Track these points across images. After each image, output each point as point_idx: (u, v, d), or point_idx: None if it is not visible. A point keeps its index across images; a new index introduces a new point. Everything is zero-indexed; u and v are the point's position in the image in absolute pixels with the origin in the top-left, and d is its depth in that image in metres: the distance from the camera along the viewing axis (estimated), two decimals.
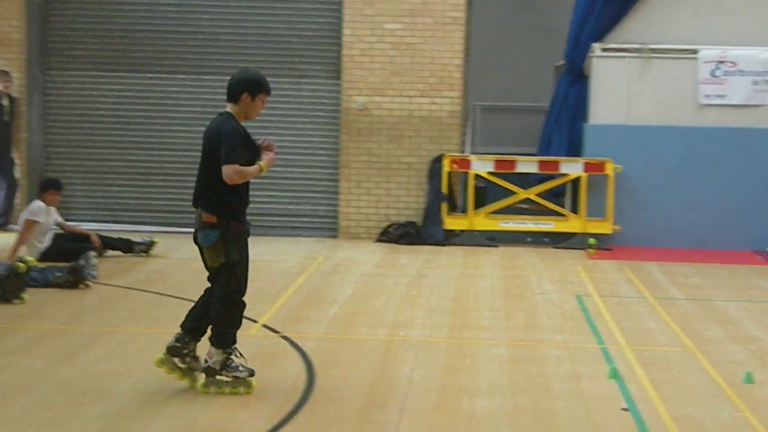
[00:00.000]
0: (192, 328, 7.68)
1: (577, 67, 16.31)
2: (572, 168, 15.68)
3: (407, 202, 16.07)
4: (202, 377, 7.68)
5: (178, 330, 7.73)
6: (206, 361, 7.60)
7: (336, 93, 16.22)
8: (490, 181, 15.90)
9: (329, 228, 16.30)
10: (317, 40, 16.32)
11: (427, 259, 14.35)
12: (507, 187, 15.78)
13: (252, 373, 7.60)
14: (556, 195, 16.08)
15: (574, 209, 15.80)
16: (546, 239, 15.95)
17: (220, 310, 7.51)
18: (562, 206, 15.95)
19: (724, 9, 15.90)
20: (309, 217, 16.35)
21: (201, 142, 7.59)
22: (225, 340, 7.56)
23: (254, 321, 9.80)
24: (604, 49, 15.87)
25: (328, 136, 16.33)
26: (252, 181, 7.61)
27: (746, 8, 15.87)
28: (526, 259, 14.44)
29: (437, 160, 15.82)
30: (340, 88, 16.12)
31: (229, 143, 7.35)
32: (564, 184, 15.96)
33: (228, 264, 7.44)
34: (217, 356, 7.56)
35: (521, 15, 20.05)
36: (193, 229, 7.62)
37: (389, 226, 15.93)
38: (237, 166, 7.33)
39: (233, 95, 7.53)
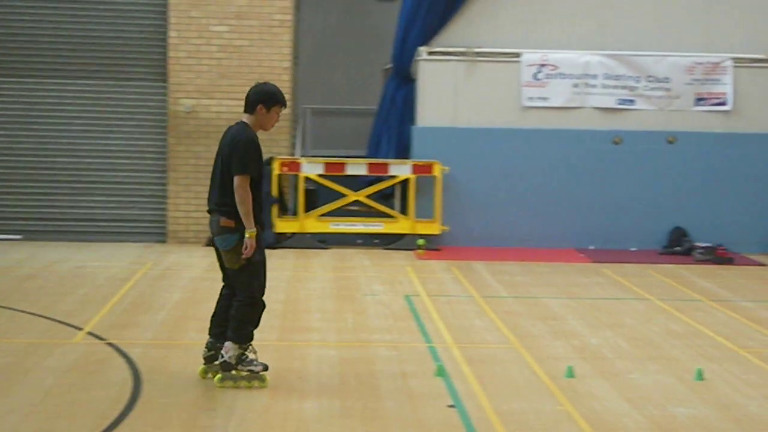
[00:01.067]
0: (220, 333, 8.05)
1: (404, 70, 16.49)
2: (401, 170, 15.84)
3: None
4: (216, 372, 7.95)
5: (208, 339, 8.10)
6: (222, 356, 7.90)
7: (162, 96, 16.01)
8: (320, 183, 15.94)
9: (157, 233, 16.07)
10: (142, 43, 16.07)
11: None
12: (337, 189, 15.85)
13: (266, 368, 7.96)
14: (385, 197, 16.22)
15: (404, 210, 15.98)
16: (376, 240, 16.07)
17: (242, 309, 7.88)
18: (392, 208, 16.10)
19: (545, 14, 16.32)
20: (136, 222, 16.07)
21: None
22: (243, 336, 7.91)
23: (79, 328, 9.59)
24: (430, 53, 16.10)
25: (155, 140, 16.09)
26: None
27: (567, 13, 16.33)
28: (357, 261, 14.53)
29: (267, 163, 15.76)
30: (167, 91, 15.91)
31: (244, 153, 7.71)
32: (393, 186, 16.11)
33: (248, 265, 7.79)
34: (234, 351, 7.87)
35: (349, 18, 20.14)
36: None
37: None
38: (247, 183, 7.66)
39: (249, 106, 7.89)
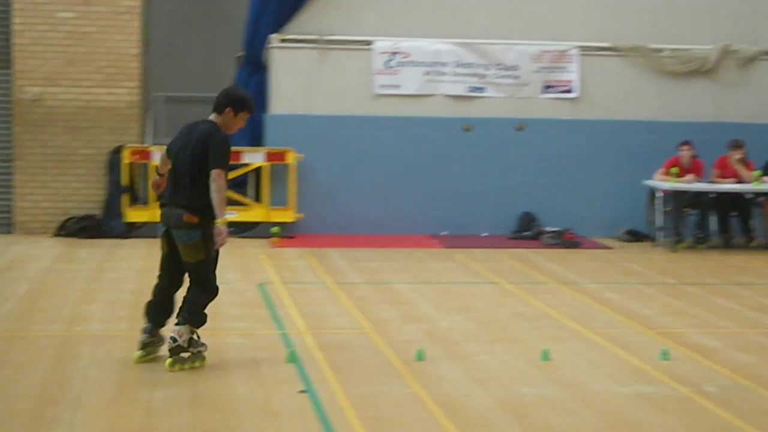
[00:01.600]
0: (162, 321, 8.32)
1: (256, 57, 16.41)
2: (254, 158, 15.78)
3: (86, 195, 15.68)
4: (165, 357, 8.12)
5: (147, 325, 8.27)
6: (175, 340, 8.07)
7: (7, 83, 15.60)
8: None
9: (3, 223, 15.68)
10: None
11: (108, 252, 14.05)
12: None
13: (206, 347, 8.25)
14: (238, 185, 16.11)
15: (257, 198, 15.92)
16: (231, 229, 15.92)
17: (201, 296, 8.14)
18: (245, 196, 16.02)
19: (397, 2, 16.44)
20: None
21: None
22: (197, 320, 8.18)
23: None
24: (282, 40, 16.06)
25: None
26: None
27: (418, 1, 16.47)
28: None
29: (116, 152, 15.53)
30: (11, 78, 15.52)
31: (221, 151, 7.98)
32: (246, 174, 16.04)
33: (206, 259, 8.06)
34: (187, 335, 8.10)
35: (202, 4, 19.92)
36: None
37: (67, 220, 15.50)
38: (223, 176, 7.93)
39: (218, 107, 8.15)
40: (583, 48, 16.58)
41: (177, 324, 8.16)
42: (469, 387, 7.80)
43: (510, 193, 16.49)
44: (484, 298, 11.36)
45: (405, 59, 16.25)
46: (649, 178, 15.79)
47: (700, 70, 16.70)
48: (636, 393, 7.71)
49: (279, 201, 15.86)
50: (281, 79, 16.12)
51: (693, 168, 15.65)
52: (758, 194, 15.72)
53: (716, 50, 16.65)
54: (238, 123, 8.18)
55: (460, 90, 16.41)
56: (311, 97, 16.15)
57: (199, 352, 8.22)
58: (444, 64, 16.33)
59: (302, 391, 7.57)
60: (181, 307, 8.23)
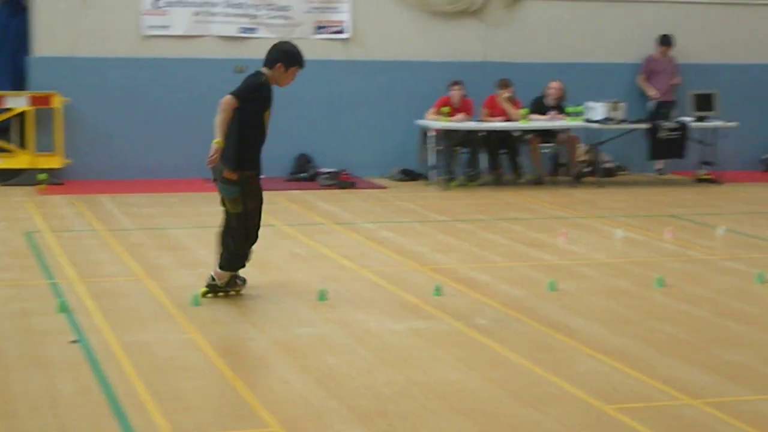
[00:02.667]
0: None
1: None
2: (17, 102, 15.12)
3: None
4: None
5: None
6: (214, 279, 8.51)
7: None
8: None
9: None
10: None
11: None
12: None
13: (245, 281, 8.69)
14: (1, 131, 15.45)
15: (22, 145, 15.30)
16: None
17: (236, 240, 8.44)
18: (9, 142, 15.38)
19: None
20: None
21: None
22: (235, 265, 8.52)
23: None
24: None
25: None
26: None
27: None
28: None
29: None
30: None
31: (244, 84, 8.30)
32: (9, 119, 15.36)
33: (244, 212, 8.44)
34: (226, 278, 8.50)
35: None
36: None
37: None
38: (232, 104, 8.14)
39: (269, 62, 8.32)
40: None
41: (219, 267, 8.48)
42: (245, 329, 7.76)
43: (285, 134, 16.36)
44: (260, 240, 11.24)
45: None
46: (421, 118, 16.01)
47: (468, 11, 16.96)
48: (410, 329, 7.83)
49: (45, 147, 15.29)
50: (43, 19, 15.47)
51: (463, 107, 15.95)
52: (526, 132, 16.18)
53: None
54: (288, 78, 8.40)
55: (231, 31, 16.16)
56: (76, 38, 15.58)
57: (236, 286, 8.62)
58: (214, 5, 16.03)
59: (74, 341, 7.35)
60: (221, 251, 8.49)
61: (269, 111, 8.52)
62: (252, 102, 8.29)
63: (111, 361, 6.94)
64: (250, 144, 8.37)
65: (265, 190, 14.73)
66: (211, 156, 8.18)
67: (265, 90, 8.35)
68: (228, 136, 8.19)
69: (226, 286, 8.59)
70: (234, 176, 8.32)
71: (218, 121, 8.13)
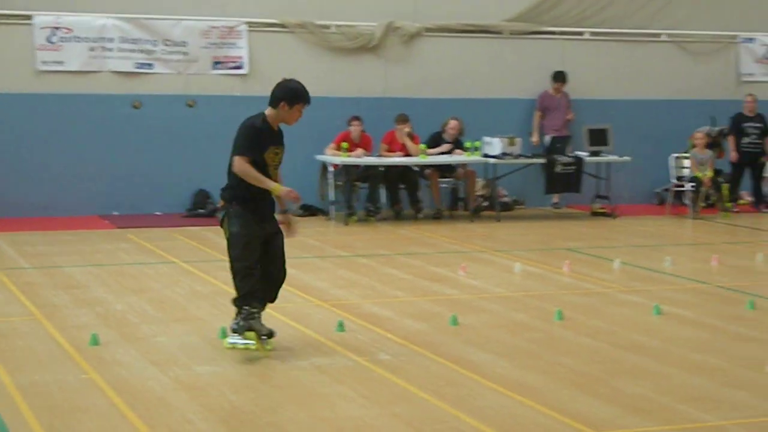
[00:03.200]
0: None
1: None
2: None
3: None
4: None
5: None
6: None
7: None
8: None
9: None
10: None
11: None
12: None
13: (269, 335, 8.10)
14: None
15: None
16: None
17: (234, 276, 8.15)
18: None
19: None
20: None
21: None
22: (237, 302, 8.12)
23: None
24: None
25: None
26: None
27: None
28: None
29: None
30: None
31: (242, 137, 8.17)
32: None
33: (230, 237, 8.12)
34: (237, 317, 8.11)
35: None
36: None
37: None
38: (244, 162, 8.06)
39: (273, 101, 8.23)
40: (251, 24, 16.56)
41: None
42: (146, 369, 7.62)
43: (183, 170, 16.28)
44: (159, 278, 11.15)
45: (68, 34, 15.67)
46: (321, 153, 16.01)
47: (366, 47, 17.07)
48: (313, 365, 7.78)
49: None
50: None
51: (362, 143, 16.01)
52: (425, 167, 16.28)
53: (381, 27, 17.07)
54: (294, 115, 8.26)
55: (127, 66, 16.02)
56: None
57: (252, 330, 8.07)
58: (110, 40, 15.88)
59: None
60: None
61: (275, 150, 8.27)
62: (254, 146, 8.20)
63: (7, 403, 6.75)
64: (246, 185, 8.12)
65: (162, 227, 14.85)
66: (291, 196, 8.35)
67: (262, 133, 8.22)
68: (228, 172, 8.25)
69: (242, 329, 8.08)
70: (222, 203, 8.38)
71: (254, 181, 8.09)
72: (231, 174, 8.21)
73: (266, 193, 8.20)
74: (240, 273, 8.09)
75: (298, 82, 8.40)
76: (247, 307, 8.05)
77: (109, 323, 9.01)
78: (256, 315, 8.07)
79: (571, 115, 17.71)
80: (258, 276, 8.10)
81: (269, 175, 8.21)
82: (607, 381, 7.49)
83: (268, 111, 8.29)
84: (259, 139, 8.19)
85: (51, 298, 10.05)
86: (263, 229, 8.18)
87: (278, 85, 8.33)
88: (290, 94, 8.26)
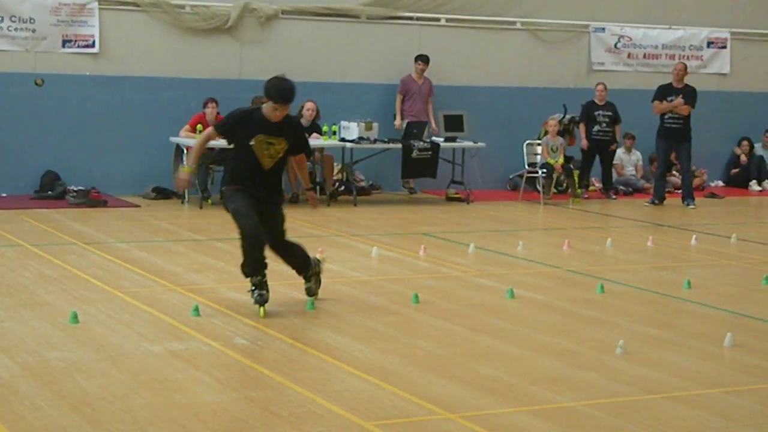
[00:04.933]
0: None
1: None
2: None
3: None
4: None
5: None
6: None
7: None
8: None
9: None
10: None
11: None
12: None
13: (260, 303, 8.70)
14: None
15: None
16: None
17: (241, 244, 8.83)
18: None
19: None
20: None
21: None
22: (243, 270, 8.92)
23: None
24: None
25: None
26: None
27: None
28: None
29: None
30: None
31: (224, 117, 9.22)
32: None
33: (231, 214, 8.78)
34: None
35: None
36: None
37: None
38: (209, 133, 9.05)
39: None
40: (103, 2, 16.16)
41: None
42: None
43: (30, 151, 15.82)
44: (5, 261, 10.80)
45: None
46: (176, 135, 15.76)
47: (221, 28, 16.85)
48: (168, 350, 7.64)
49: None
50: None
51: None
52: None
53: (237, 8, 16.86)
54: (273, 113, 8.65)
55: None
56: None
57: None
58: None
59: None
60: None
61: (266, 140, 8.71)
62: (231, 127, 8.92)
63: None
64: (238, 169, 8.86)
65: (8, 209, 14.39)
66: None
67: (248, 118, 8.82)
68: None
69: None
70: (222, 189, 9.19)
71: (193, 149, 9.19)
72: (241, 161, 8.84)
73: (257, 178, 8.72)
74: (245, 241, 8.69)
75: (282, 81, 8.75)
76: (258, 277, 8.75)
77: None
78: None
79: (429, 105, 17.76)
80: (263, 247, 8.74)
81: (261, 165, 8.70)
82: (463, 363, 7.55)
83: (266, 102, 8.75)
84: (240, 123, 8.81)
85: None
86: (258, 206, 8.74)
87: (268, 80, 8.80)
88: (267, 91, 8.70)
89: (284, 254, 9.14)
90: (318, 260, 9.48)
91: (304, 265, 9.26)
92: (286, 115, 8.87)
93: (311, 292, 9.27)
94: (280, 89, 8.68)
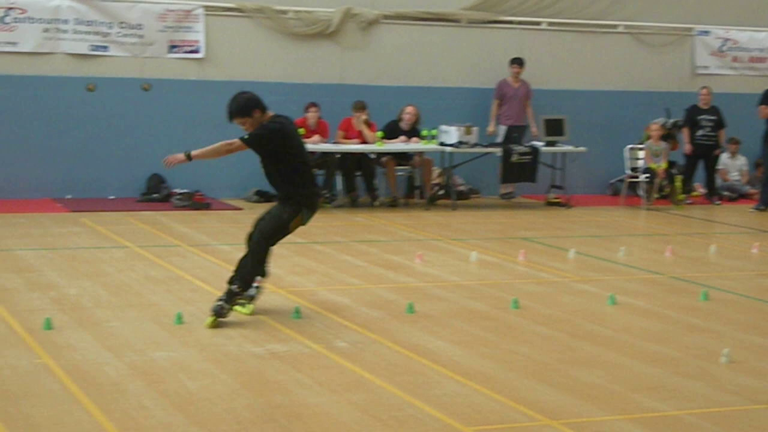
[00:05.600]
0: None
1: None
2: None
3: None
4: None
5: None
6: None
7: None
8: None
9: None
10: None
11: None
12: None
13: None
14: None
15: None
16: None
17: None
18: None
19: None
20: None
21: None
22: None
23: None
24: None
25: None
26: None
27: None
28: None
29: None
30: None
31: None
32: None
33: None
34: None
35: None
36: None
37: None
38: (236, 142, 9.33)
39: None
40: (208, 8, 16.43)
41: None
42: (100, 354, 7.55)
43: (138, 154, 16.14)
44: (113, 262, 11.05)
45: (22, 15, 15.46)
46: None
47: (323, 33, 17.00)
48: (269, 352, 7.75)
49: None
50: None
51: (319, 129, 15.95)
52: (381, 154, 16.26)
53: (339, 13, 17.00)
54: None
55: (82, 48, 15.84)
56: None
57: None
58: (65, 21, 15.69)
59: None
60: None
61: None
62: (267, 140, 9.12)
63: None
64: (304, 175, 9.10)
65: (116, 210, 14.71)
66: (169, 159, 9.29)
67: (278, 128, 9.15)
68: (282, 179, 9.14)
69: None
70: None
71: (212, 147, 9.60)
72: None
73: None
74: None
75: (233, 97, 9.36)
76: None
77: (63, 308, 8.92)
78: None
79: (528, 109, 17.67)
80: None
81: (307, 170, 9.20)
82: (563, 370, 7.52)
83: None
84: (275, 136, 9.18)
85: (3, 281, 9.92)
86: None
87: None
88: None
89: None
90: (253, 294, 8.88)
91: (238, 278, 8.77)
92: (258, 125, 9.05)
93: (216, 309, 8.45)
94: (230, 102, 9.30)
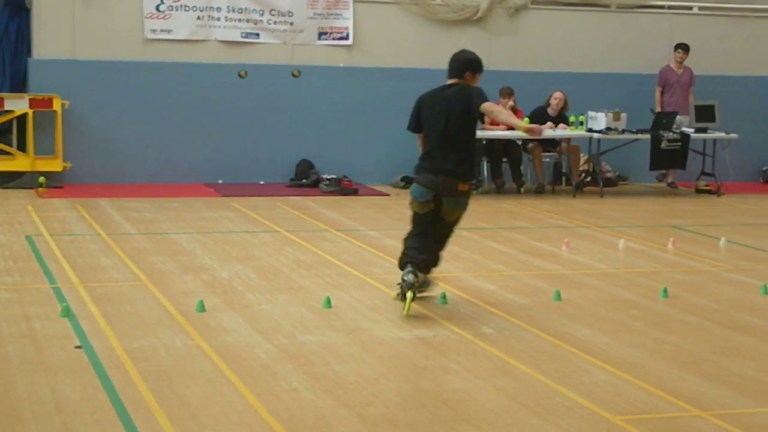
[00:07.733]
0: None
1: None
2: (17, 104, 15.07)
3: None
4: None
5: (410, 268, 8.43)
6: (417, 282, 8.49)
7: None
8: None
9: None
10: None
11: None
12: None
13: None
14: (1, 133, 15.39)
15: (22, 147, 15.25)
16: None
17: (442, 249, 8.98)
18: (9, 144, 15.32)
19: None
20: None
21: None
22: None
23: None
24: None
25: None
26: None
27: None
28: None
29: None
30: None
31: (481, 93, 8.56)
32: (9, 122, 15.30)
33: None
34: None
35: None
36: None
37: None
38: (493, 105, 8.66)
39: (457, 72, 8.70)
40: None
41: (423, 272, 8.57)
42: (251, 337, 7.71)
43: (287, 140, 16.38)
44: (263, 246, 11.26)
45: (176, 3, 15.83)
46: None
47: (471, 19, 16.96)
48: (416, 337, 7.80)
49: (45, 150, 15.24)
50: (44, 21, 15.43)
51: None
52: (527, 141, 16.15)
53: None
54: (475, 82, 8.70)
55: (234, 35, 16.14)
56: (78, 41, 15.54)
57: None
58: (217, 9, 16.01)
59: (78, 347, 7.30)
60: (424, 258, 8.61)
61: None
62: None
63: (116, 367, 6.89)
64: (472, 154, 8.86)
65: (266, 195, 14.97)
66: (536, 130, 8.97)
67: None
68: (465, 149, 8.65)
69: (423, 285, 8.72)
70: (467, 186, 8.64)
71: (506, 118, 9.16)
72: (469, 152, 8.73)
73: None
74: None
75: (472, 53, 8.89)
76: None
77: (215, 290, 9.13)
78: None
79: (691, 96, 17.20)
80: None
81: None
82: (714, 360, 7.38)
83: (454, 82, 8.72)
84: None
85: (158, 264, 10.20)
86: None
87: (456, 56, 8.81)
88: (474, 64, 8.72)
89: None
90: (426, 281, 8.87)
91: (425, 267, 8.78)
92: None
93: (408, 282, 8.44)
94: (477, 57, 8.91)
